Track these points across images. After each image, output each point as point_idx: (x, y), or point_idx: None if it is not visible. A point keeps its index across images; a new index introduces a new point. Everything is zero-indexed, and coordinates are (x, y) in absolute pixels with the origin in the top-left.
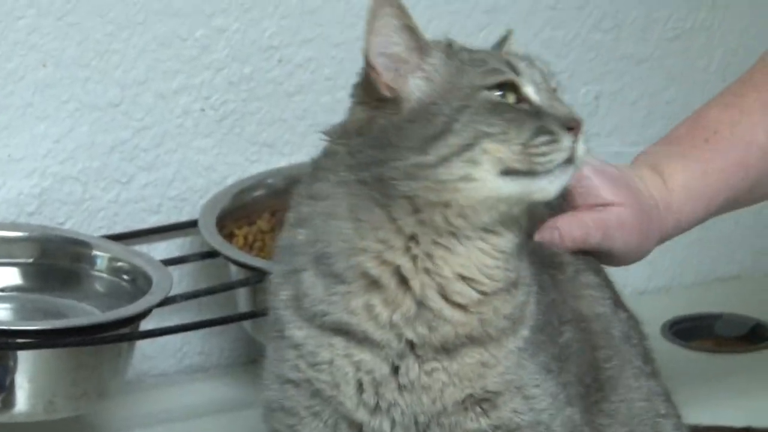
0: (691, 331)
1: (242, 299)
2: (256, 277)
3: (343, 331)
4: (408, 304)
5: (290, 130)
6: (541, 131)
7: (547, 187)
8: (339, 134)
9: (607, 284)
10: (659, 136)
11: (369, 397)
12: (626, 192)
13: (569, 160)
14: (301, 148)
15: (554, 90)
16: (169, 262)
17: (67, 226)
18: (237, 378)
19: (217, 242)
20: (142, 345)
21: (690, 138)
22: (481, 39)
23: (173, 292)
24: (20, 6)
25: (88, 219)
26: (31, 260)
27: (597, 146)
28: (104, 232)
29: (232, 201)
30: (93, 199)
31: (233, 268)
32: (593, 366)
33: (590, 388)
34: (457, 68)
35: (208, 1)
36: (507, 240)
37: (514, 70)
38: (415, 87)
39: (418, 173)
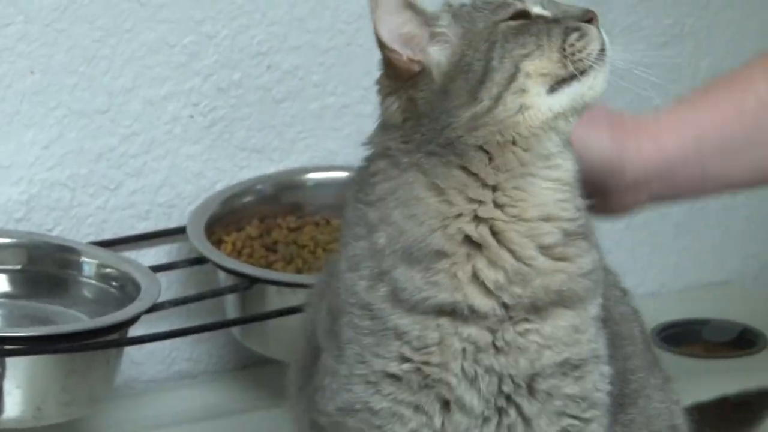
0: (679, 336)
1: (231, 305)
2: (245, 284)
3: (447, 311)
4: (509, 260)
5: (279, 136)
6: (569, 31)
7: (594, 84)
8: (382, 134)
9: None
10: None
11: (469, 366)
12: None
13: (602, 49)
14: (289, 154)
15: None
16: (157, 269)
17: (55, 233)
18: (226, 384)
19: (206, 248)
20: (130, 351)
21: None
22: None
23: (162, 299)
24: (8, 13)
25: (76, 225)
26: (19, 267)
27: None
28: (92, 238)
29: (221, 207)
30: (81, 206)
31: (222, 274)
32: (622, 377)
33: (615, 398)
34: (468, 20)
35: (197, 7)
36: (568, 171)
37: None
38: (437, 53)
39: (478, 123)
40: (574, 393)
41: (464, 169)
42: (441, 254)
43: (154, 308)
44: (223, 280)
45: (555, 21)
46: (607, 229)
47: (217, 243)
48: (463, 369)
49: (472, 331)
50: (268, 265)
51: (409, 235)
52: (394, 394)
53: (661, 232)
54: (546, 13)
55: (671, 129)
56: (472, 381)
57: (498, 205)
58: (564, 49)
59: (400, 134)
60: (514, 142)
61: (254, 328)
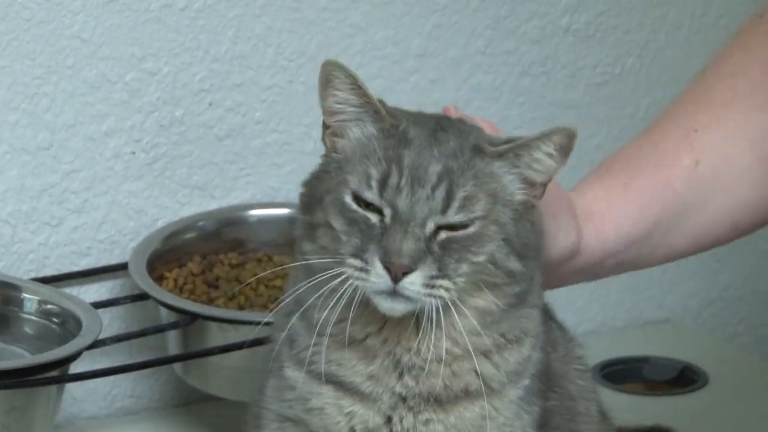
0: (620, 374)
1: (172, 342)
2: (187, 320)
3: (332, 381)
4: (384, 357)
5: (221, 173)
6: (358, 253)
7: (379, 304)
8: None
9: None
10: None
11: None
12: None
13: (393, 292)
14: (231, 191)
15: (444, 200)
16: (99, 305)
17: None
18: (168, 421)
19: (148, 285)
20: (71, 388)
21: (610, 168)
22: (412, 84)
23: (103, 335)
24: None
25: (17, 262)
26: None
27: None
28: (34, 274)
29: (163, 244)
30: (22, 242)
31: (163, 310)
32: None
33: None
34: (346, 150)
35: (138, 44)
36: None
37: (382, 184)
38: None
39: None
40: None
41: None
42: (319, 331)
43: (96, 344)
44: (165, 316)
45: (372, 234)
46: None
47: (159, 279)
48: None
49: (356, 408)
50: (210, 302)
51: (304, 293)
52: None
53: None
54: (386, 221)
55: (615, 213)
56: None
57: None
58: (345, 258)
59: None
60: None
61: (196, 364)
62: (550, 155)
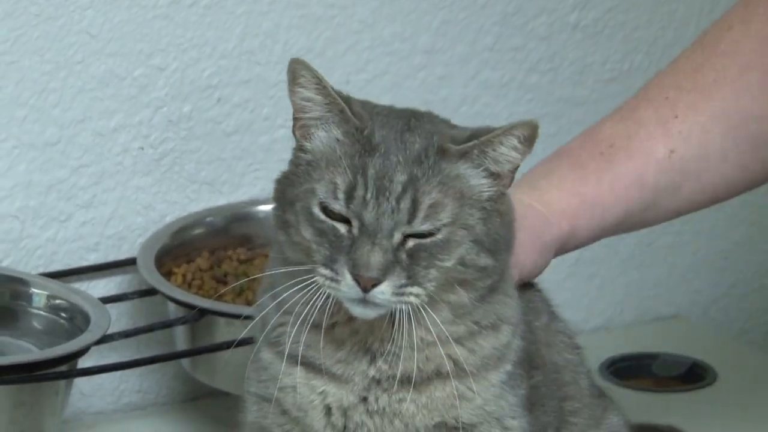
0: (628, 370)
1: (180, 337)
2: (195, 315)
3: (302, 362)
4: (352, 345)
5: (229, 169)
6: (329, 263)
7: (351, 309)
8: None
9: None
10: None
11: (337, 419)
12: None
13: (364, 300)
14: (239, 186)
15: (411, 209)
16: (107, 300)
17: (4, 264)
18: (175, 416)
19: (156, 280)
20: (79, 383)
21: (583, 150)
22: (419, 80)
23: (111, 330)
24: None
25: (26, 257)
26: None
27: None
28: (42, 270)
29: (171, 239)
30: (31, 237)
31: (171, 306)
32: (559, 417)
33: None
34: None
35: (147, 40)
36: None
37: (349, 196)
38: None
39: None
40: None
41: None
42: (287, 312)
43: (104, 340)
44: (173, 311)
45: (340, 244)
46: (555, 264)
47: (167, 275)
48: (331, 422)
49: (329, 388)
50: (218, 297)
51: (275, 275)
52: (270, 415)
53: (609, 267)
54: (353, 231)
55: (585, 220)
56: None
57: None
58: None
59: None
60: None
61: (203, 359)
62: (514, 148)
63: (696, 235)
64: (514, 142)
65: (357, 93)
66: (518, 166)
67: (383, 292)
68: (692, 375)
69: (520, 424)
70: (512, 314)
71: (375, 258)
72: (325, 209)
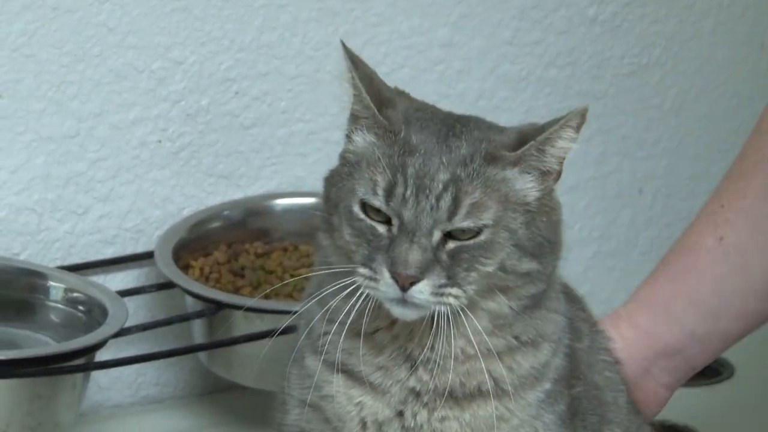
0: None
1: (198, 330)
2: (212, 309)
3: (343, 370)
4: (393, 350)
5: (246, 162)
6: (368, 262)
7: (392, 309)
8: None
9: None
10: (614, 171)
11: None
12: None
13: (403, 300)
14: (257, 180)
15: (449, 209)
16: (124, 293)
17: (22, 257)
18: (192, 409)
19: (173, 273)
20: (97, 376)
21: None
22: (437, 74)
23: (129, 323)
24: None
25: (43, 250)
26: None
27: None
28: (60, 263)
29: (189, 232)
30: (49, 230)
31: (189, 299)
32: None
33: None
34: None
35: (165, 33)
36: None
37: (389, 194)
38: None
39: None
40: None
41: None
42: (332, 319)
43: (121, 333)
44: (191, 305)
45: (379, 243)
46: (574, 257)
47: (185, 268)
48: None
49: (366, 399)
50: (236, 291)
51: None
52: (314, 420)
53: (627, 260)
54: (392, 231)
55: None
56: None
57: None
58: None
59: None
60: None
61: (221, 353)
62: (570, 139)
63: None
64: (570, 133)
65: None
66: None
67: (422, 291)
68: (710, 370)
69: None
70: (554, 331)
71: (413, 255)
72: (365, 208)
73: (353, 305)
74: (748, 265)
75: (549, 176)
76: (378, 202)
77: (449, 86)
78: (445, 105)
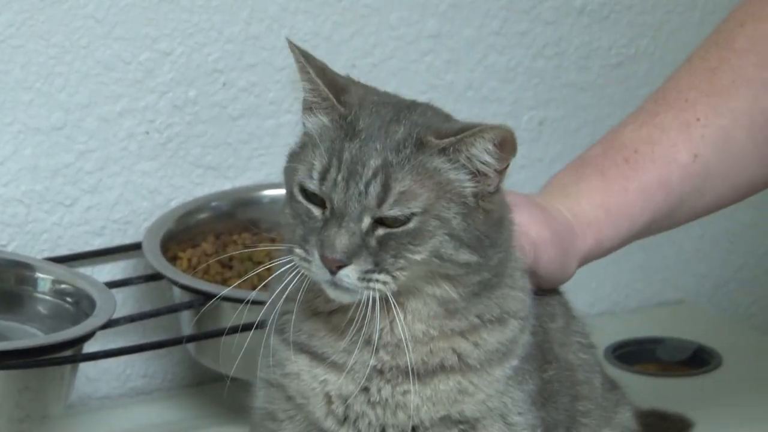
0: (634, 355)
1: (186, 322)
2: (200, 300)
3: (305, 350)
4: (352, 334)
5: (235, 153)
6: (302, 244)
7: (326, 290)
8: None
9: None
10: None
11: (337, 408)
12: (542, 222)
13: (334, 282)
14: (245, 171)
15: (379, 195)
16: (112, 285)
17: (10, 249)
18: (180, 401)
19: (161, 265)
20: (85, 368)
21: (607, 158)
22: (426, 64)
23: (117, 315)
24: None
25: (31, 241)
26: None
27: (540, 172)
28: (47, 254)
29: (176, 224)
30: (36, 222)
31: (177, 290)
32: (571, 417)
33: None
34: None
35: (153, 24)
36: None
37: (323, 177)
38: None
39: None
40: None
41: None
42: (290, 297)
43: (109, 324)
44: (179, 296)
45: (314, 225)
46: None
47: (173, 259)
48: (331, 410)
49: (330, 377)
50: (224, 282)
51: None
52: (276, 400)
53: (615, 252)
54: (324, 213)
55: (611, 231)
56: (348, 422)
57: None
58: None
59: None
60: None
61: (209, 344)
62: (487, 151)
63: (702, 219)
64: (487, 145)
65: (363, 77)
66: (504, 170)
67: (348, 275)
68: (697, 359)
69: (526, 419)
70: (520, 308)
71: (341, 240)
72: (304, 190)
73: (290, 281)
74: (708, 190)
75: (485, 179)
76: (312, 185)
77: (438, 77)
78: (434, 96)
